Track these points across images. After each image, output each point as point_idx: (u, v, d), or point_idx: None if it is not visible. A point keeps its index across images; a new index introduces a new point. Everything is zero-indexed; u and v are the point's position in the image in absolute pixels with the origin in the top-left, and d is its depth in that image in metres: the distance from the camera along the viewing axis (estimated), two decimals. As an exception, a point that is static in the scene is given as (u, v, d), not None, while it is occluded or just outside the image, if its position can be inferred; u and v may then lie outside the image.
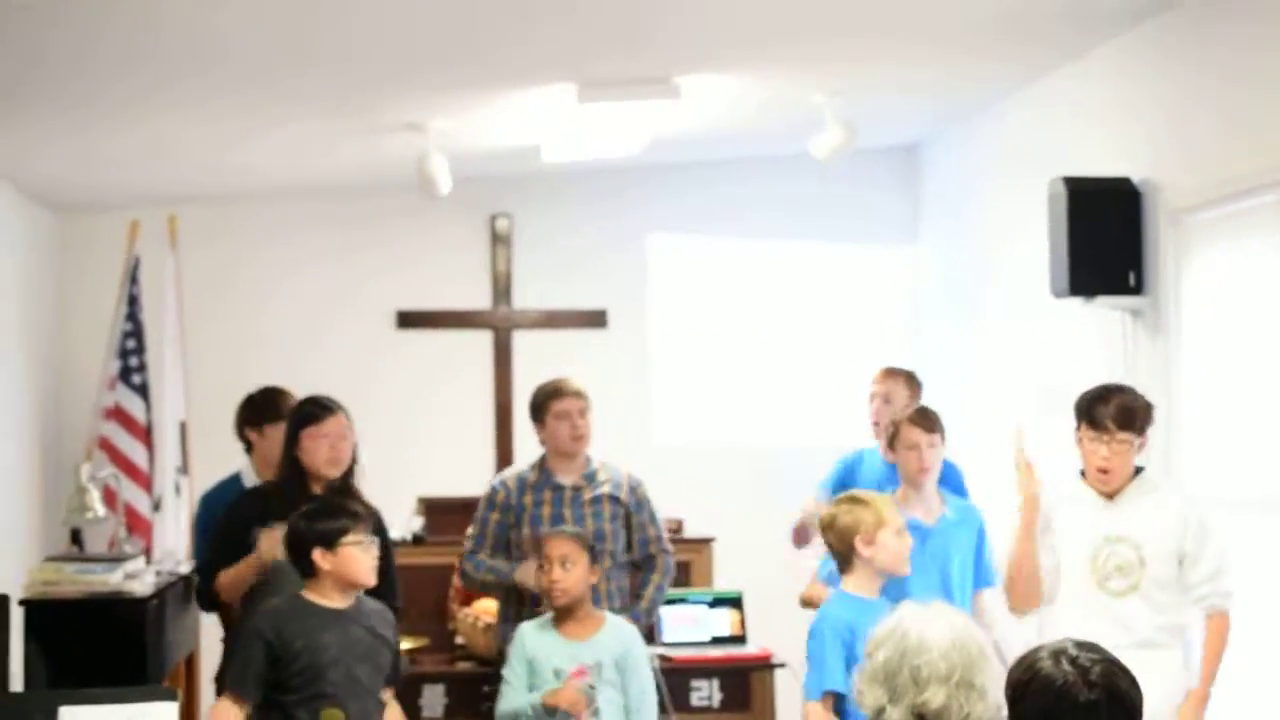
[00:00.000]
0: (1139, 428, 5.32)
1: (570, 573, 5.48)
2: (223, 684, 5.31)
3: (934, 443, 6.18)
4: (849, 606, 5.08)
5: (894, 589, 5.79)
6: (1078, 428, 5.37)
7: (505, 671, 5.52)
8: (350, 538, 4.98)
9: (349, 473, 5.84)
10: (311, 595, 5.03)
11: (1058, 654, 3.24)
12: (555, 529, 5.86)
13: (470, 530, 6.32)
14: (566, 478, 6.25)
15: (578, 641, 5.47)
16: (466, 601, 7.00)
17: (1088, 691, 3.17)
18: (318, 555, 4.99)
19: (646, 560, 6.26)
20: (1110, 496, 5.35)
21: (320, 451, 5.74)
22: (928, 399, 6.86)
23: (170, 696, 4.36)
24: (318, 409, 5.81)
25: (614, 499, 6.23)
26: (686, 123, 8.07)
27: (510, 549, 6.22)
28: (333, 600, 5.01)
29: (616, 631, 5.54)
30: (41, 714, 4.18)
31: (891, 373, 7.15)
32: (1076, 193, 6.57)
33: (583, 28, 6.39)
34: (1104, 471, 5.32)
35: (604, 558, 5.92)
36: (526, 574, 6.01)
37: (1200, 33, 6.27)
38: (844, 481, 6.77)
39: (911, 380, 7.10)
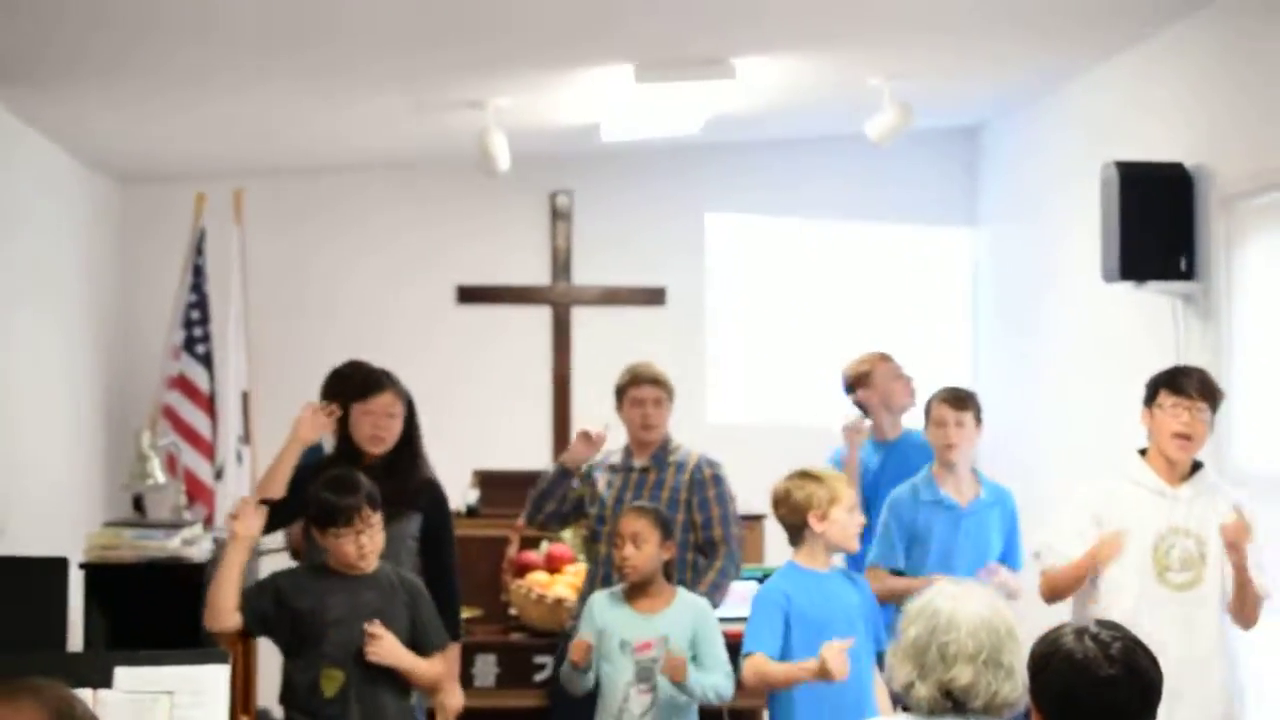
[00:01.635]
0: (1215, 404, 5.32)
1: (641, 550, 5.48)
2: None
3: (961, 421, 6.28)
4: (795, 578, 5.16)
5: (940, 568, 5.87)
6: (1151, 401, 5.34)
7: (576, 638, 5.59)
8: (334, 530, 5.00)
9: (405, 450, 5.79)
10: (329, 560, 5.11)
11: (1080, 631, 3.30)
12: (629, 505, 5.90)
13: None
14: (640, 461, 6.32)
15: (648, 615, 5.49)
16: (520, 573, 7.08)
17: (1108, 667, 3.22)
18: (315, 532, 5.09)
19: (709, 546, 6.20)
20: (1175, 482, 5.30)
21: (363, 428, 5.70)
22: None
23: (223, 659, 4.44)
24: (367, 383, 5.76)
25: (676, 485, 6.26)
26: (744, 103, 8.10)
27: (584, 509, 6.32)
28: (343, 569, 5.05)
29: (687, 607, 5.54)
30: (97, 674, 4.26)
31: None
32: (1128, 177, 6.57)
33: (641, 9, 6.44)
34: (1185, 438, 5.26)
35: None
36: (576, 449, 6.20)
37: (1258, 20, 6.25)
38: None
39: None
